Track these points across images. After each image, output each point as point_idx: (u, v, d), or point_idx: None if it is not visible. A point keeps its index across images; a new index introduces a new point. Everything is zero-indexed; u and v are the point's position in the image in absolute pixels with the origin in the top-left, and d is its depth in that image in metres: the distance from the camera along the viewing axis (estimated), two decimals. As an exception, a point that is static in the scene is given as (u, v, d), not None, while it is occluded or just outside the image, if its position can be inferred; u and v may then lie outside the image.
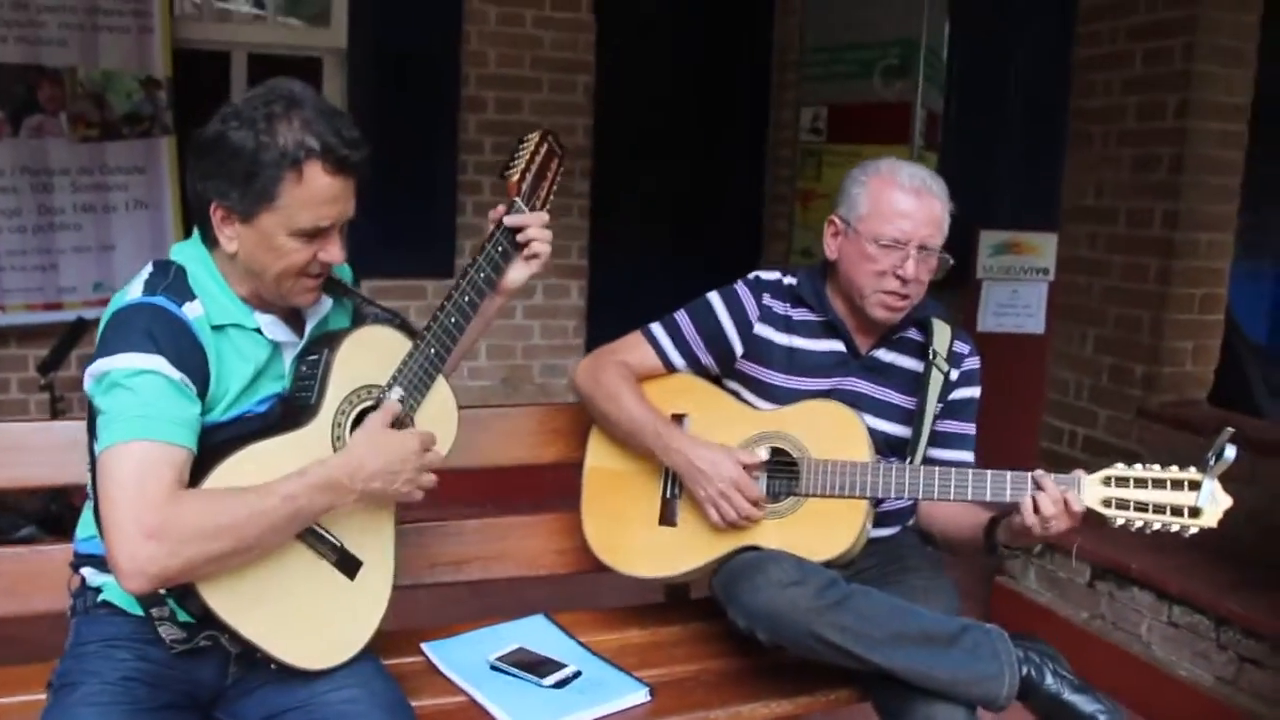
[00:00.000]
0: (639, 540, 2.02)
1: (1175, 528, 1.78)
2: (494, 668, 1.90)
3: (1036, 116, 4.52)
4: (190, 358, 1.52)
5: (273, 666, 1.59)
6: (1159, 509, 1.78)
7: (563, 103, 4.49)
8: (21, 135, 3.62)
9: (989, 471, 1.86)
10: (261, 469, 1.54)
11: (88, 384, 1.52)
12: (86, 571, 1.64)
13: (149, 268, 1.61)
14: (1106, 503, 1.80)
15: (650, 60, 4.74)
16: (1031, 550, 2.00)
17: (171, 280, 1.57)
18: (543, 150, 1.90)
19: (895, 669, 1.76)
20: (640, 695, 1.84)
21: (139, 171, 3.79)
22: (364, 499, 1.61)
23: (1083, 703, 1.82)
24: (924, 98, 4.30)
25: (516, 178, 1.85)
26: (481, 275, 1.82)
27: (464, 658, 1.93)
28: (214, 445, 1.54)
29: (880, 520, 2.04)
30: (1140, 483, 1.80)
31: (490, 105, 4.39)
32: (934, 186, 1.99)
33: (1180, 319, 3.33)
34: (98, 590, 1.62)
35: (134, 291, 1.56)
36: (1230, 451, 1.74)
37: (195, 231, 1.63)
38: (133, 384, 1.47)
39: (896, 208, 1.96)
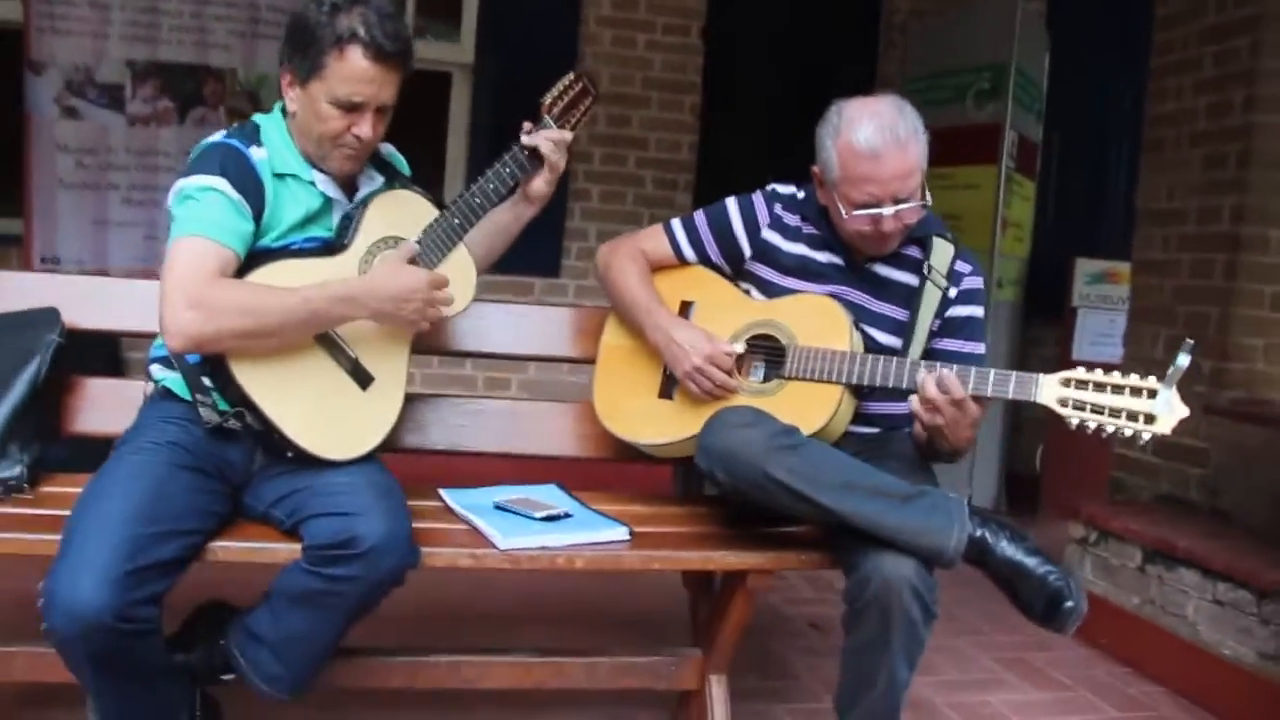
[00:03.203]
0: (638, 409, 2.21)
1: (1129, 432, 1.83)
2: (497, 506, 2.11)
3: (1139, 146, 4.56)
4: (249, 185, 1.86)
5: (289, 455, 1.87)
6: (1115, 413, 1.84)
7: (669, 120, 4.81)
8: (187, 124, 4.17)
9: (920, 362, 2.01)
10: (292, 278, 1.85)
11: (169, 200, 1.87)
12: (154, 368, 1.97)
13: (236, 125, 1.98)
14: (1063, 402, 1.87)
15: (756, 87, 5.03)
16: (948, 453, 2.05)
17: (247, 131, 1.94)
18: (577, 87, 2.22)
19: (843, 512, 1.86)
20: (620, 533, 2.02)
21: (282, 159, 4.30)
22: (376, 318, 1.89)
23: (1035, 564, 1.88)
24: (1015, 120, 4.42)
25: (549, 101, 2.18)
26: (506, 170, 2.12)
27: (473, 500, 2.15)
28: (260, 260, 1.87)
29: (866, 420, 2.17)
30: (1099, 387, 1.86)
31: (601, 120, 4.74)
32: (900, 130, 2.00)
33: (1248, 314, 3.31)
34: (160, 382, 1.95)
35: (216, 136, 1.93)
36: (1184, 359, 1.80)
37: (279, 103, 1.98)
38: (199, 196, 1.82)
39: (861, 173, 2.02)
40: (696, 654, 2.27)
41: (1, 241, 4.20)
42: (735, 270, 2.30)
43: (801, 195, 2.29)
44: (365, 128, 1.90)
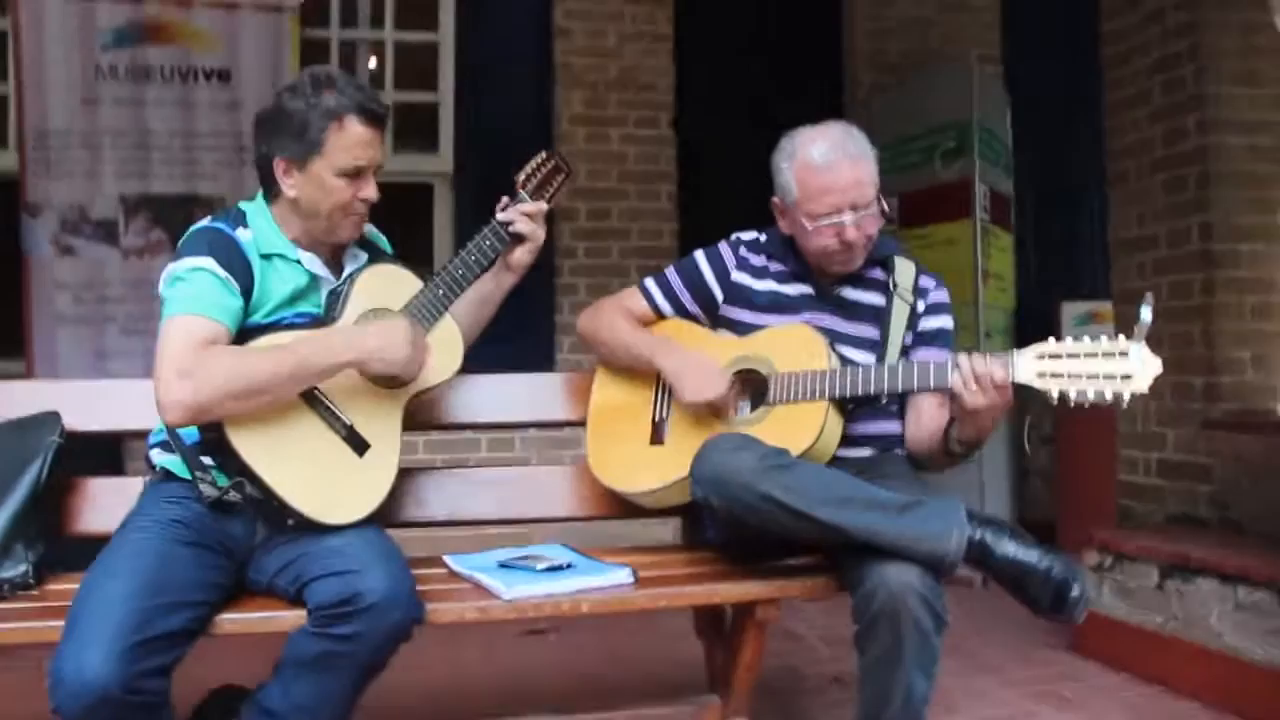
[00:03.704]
0: (631, 458, 2.24)
1: (1109, 394, 1.85)
2: (500, 565, 2.13)
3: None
4: (236, 264, 1.94)
5: (290, 523, 1.89)
6: (1092, 377, 1.87)
7: (648, 209, 4.93)
8: (145, 259, 4.28)
9: (923, 362, 2.05)
10: (283, 349, 1.91)
11: (160, 286, 1.94)
12: (153, 453, 2.02)
13: (220, 211, 2.08)
14: (1041, 375, 1.91)
15: (730, 169, 5.16)
16: (979, 447, 2.09)
17: (232, 215, 2.04)
18: (550, 164, 2.34)
19: (841, 525, 1.87)
20: (624, 575, 2.03)
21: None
22: (361, 363, 1.93)
23: (1038, 559, 1.88)
24: (983, 174, 4.53)
25: (523, 178, 2.29)
26: (486, 243, 2.21)
27: (477, 563, 2.16)
28: (252, 336, 1.93)
29: (854, 441, 2.19)
30: (1073, 355, 1.89)
31: (582, 215, 4.87)
32: (850, 147, 2.15)
33: (1231, 328, 3.36)
34: (160, 466, 1.99)
35: (202, 222, 2.02)
36: (1146, 313, 1.84)
37: (260, 192, 2.07)
38: (188, 277, 1.89)
39: (819, 185, 2.14)
40: (715, 701, 2.26)
41: (5, 379, 4.26)
42: (711, 318, 2.36)
43: (764, 238, 2.37)
44: (370, 190, 2.01)
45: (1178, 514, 3.47)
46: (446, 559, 2.20)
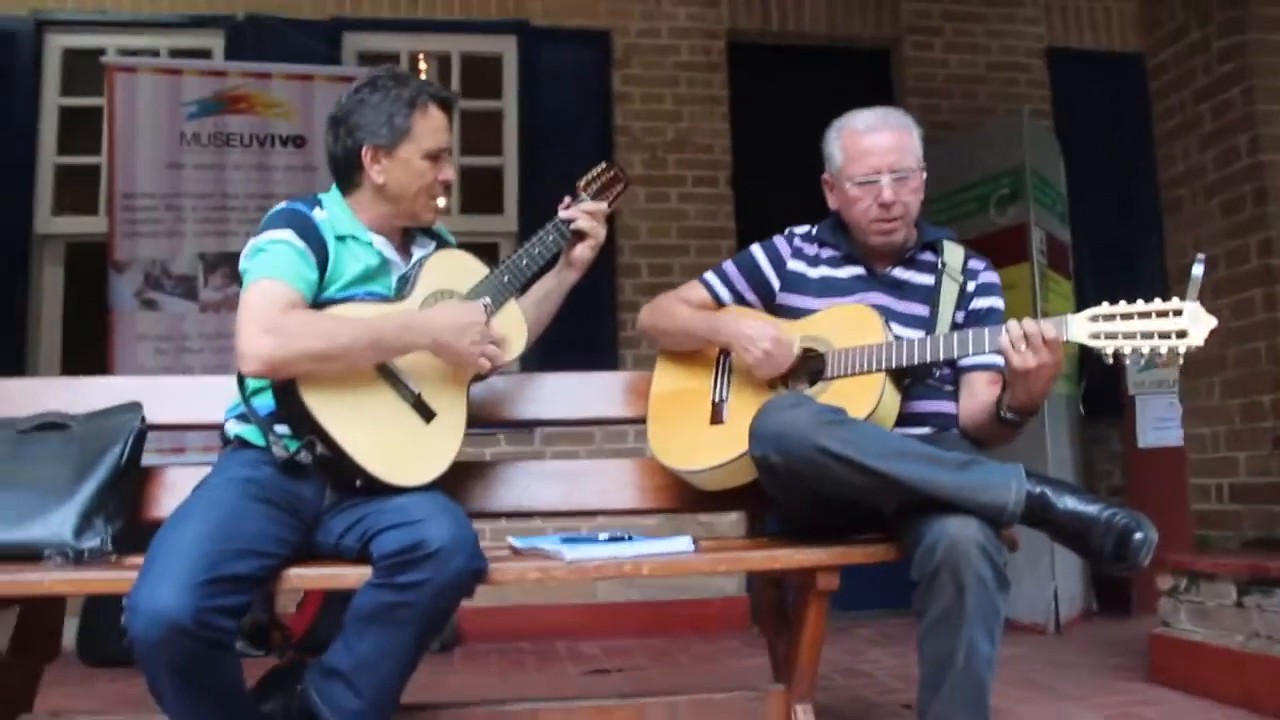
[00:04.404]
0: (693, 438, 2.27)
1: (1164, 350, 1.87)
2: (564, 539, 2.15)
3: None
4: (313, 239, 2.05)
5: (358, 484, 1.95)
6: (1147, 335, 1.89)
7: (709, 264, 4.93)
8: (222, 312, 4.47)
9: (978, 328, 2.08)
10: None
11: (241, 262, 2.05)
12: (229, 424, 2.09)
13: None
14: (1095, 336, 1.93)
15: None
16: (1031, 415, 2.09)
17: (308, 199, 2.15)
18: (610, 174, 2.46)
19: (899, 475, 1.88)
20: (684, 543, 2.05)
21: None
22: (436, 349, 2.02)
23: (1099, 510, 1.86)
24: (1039, 219, 4.56)
25: (584, 183, 2.41)
26: (550, 237, 2.31)
27: (541, 539, 2.19)
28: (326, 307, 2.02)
29: (911, 420, 2.21)
30: (1126, 316, 1.92)
31: (644, 271, 4.98)
32: (890, 119, 2.30)
33: (1297, 343, 3.31)
34: (234, 435, 2.07)
35: (280, 204, 2.14)
36: (1198, 269, 1.86)
37: (334, 185, 2.19)
38: (269, 248, 2.01)
39: (861, 148, 2.28)
40: (779, 688, 2.24)
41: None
42: (768, 308, 2.41)
43: (816, 229, 2.46)
44: (449, 171, 2.16)
45: (1253, 539, 3.37)
46: (510, 539, 2.23)
